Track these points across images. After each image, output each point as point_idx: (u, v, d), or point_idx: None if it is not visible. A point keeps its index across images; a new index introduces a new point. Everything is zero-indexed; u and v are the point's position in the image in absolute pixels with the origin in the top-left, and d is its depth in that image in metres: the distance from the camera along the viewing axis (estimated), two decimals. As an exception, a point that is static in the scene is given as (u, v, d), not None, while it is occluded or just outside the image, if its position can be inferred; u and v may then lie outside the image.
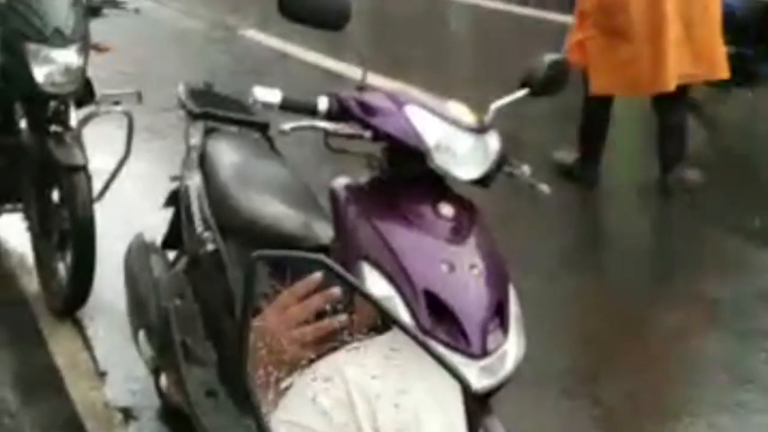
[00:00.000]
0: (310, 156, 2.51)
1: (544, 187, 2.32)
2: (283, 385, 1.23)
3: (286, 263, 1.37)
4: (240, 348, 0.96)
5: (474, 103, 2.24)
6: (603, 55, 4.81)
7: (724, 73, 4.87)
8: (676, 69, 4.72)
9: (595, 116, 5.07)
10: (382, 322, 1.14)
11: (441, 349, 1.89)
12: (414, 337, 0.91)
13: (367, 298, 0.94)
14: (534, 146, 5.21)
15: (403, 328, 0.96)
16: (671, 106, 4.93)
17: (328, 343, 1.32)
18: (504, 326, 2.02)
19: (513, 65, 2.54)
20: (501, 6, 11.05)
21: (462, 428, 0.87)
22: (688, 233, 4.61)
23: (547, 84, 2.32)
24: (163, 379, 3.02)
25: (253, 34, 8.88)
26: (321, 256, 0.95)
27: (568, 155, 5.15)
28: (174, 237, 3.01)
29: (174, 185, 3.01)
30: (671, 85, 4.73)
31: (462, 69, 5.28)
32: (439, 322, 1.98)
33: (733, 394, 3.28)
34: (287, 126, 2.16)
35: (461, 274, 2.02)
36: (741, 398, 3.25)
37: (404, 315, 1.98)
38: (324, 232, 2.32)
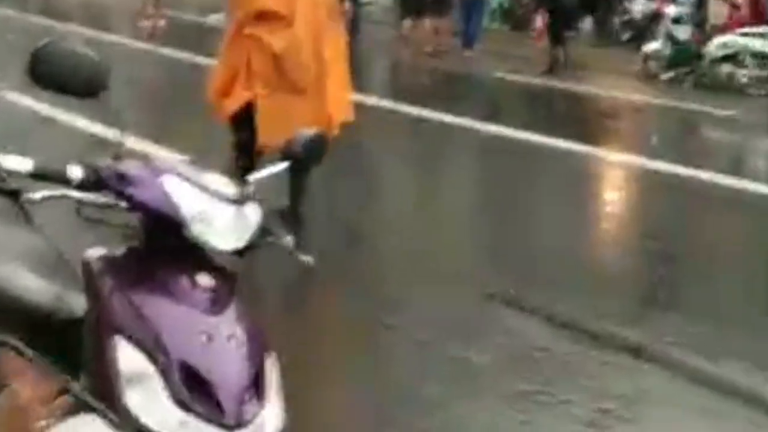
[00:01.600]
0: (69, 225, 2.42)
1: (309, 258, 2.35)
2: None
3: None
4: None
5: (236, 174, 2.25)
6: (275, 110, 5.21)
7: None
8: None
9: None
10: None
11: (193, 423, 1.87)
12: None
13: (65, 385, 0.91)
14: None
15: (86, 400, 0.94)
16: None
17: None
18: (261, 397, 2.02)
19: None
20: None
21: None
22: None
23: (306, 157, 2.37)
24: None
25: (16, 97, 8.56)
26: (11, 340, 0.91)
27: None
28: None
29: None
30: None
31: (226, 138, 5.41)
32: (197, 394, 1.95)
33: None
34: (38, 195, 2.08)
35: (219, 345, 2.00)
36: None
37: (159, 388, 1.94)
38: (79, 304, 2.23)
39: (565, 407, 3.81)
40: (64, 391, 1.26)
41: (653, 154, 8.88)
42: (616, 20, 17.60)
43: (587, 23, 17.76)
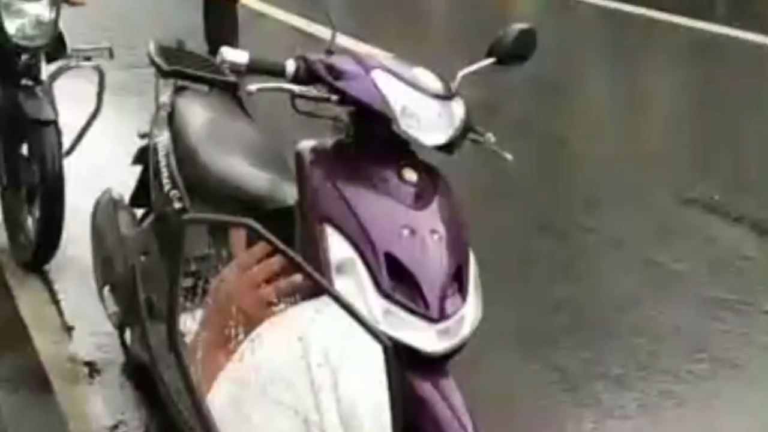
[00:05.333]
0: (281, 116, 2.51)
1: (508, 155, 2.36)
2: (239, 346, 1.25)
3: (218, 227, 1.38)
4: (169, 313, 0.98)
5: (443, 70, 2.27)
6: None
7: None
8: None
9: None
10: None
11: (364, 307, 1.93)
12: (333, 297, 0.93)
13: (291, 259, 0.96)
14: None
15: (326, 289, 0.99)
16: None
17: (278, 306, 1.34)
18: (462, 291, 2.07)
19: (486, 34, 2.56)
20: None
21: (383, 386, 0.90)
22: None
23: (513, 53, 2.35)
24: (128, 335, 3.04)
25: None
26: (248, 220, 0.97)
27: None
28: (142, 194, 3.02)
29: (143, 142, 3.02)
30: None
31: (433, 36, 5.35)
32: (400, 285, 2.02)
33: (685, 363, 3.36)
34: (254, 87, 2.17)
35: (422, 238, 2.05)
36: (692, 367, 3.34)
37: (365, 277, 2.02)
38: (291, 193, 2.34)
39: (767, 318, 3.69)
40: (289, 274, 1.33)
41: None
42: None
43: None
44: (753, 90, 6.92)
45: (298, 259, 0.96)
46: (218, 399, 1.07)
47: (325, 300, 1.02)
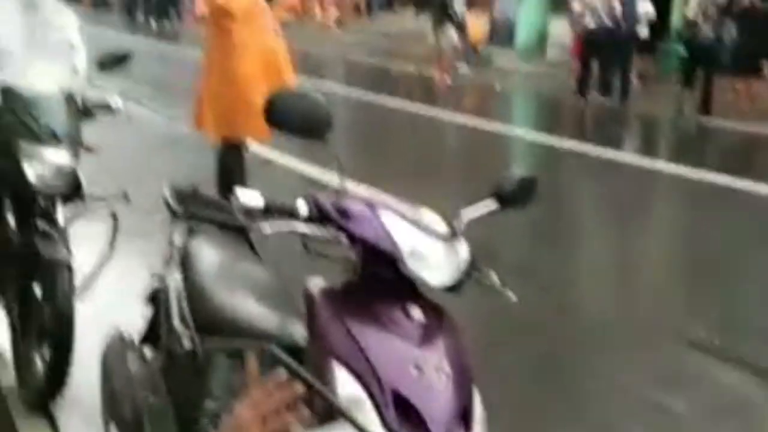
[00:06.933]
0: (290, 256, 2.59)
1: (511, 294, 2.41)
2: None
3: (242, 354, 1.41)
4: None
5: (446, 212, 2.36)
6: None
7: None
8: None
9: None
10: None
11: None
12: (349, 420, 0.97)
13: (311, 386, 1.01)
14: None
15: (341, 411, 1.02)
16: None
17: None
18: (468, 430, 2.09)
19: (485, 179, 2.66)
20: (475, 123, 11.35)
21: None
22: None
23: (515, 197, 2.44)
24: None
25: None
26: (270, 345, 1.02)
27: None
28: (152, 334, 3.07)
29: (155, 283, 3.08)
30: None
31: (436, 180, 5.55)
32: (406, 423, 2.04)
33: None
34: (268, 229, 2.25)
35: (429, 377, 2.07)
36: None
37: (372, 415, 2.04)
38: (300, 332, 2.39)
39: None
40: (307, 401, 1.37)
41: None
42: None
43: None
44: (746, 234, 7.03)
45: (316, 383, 1.01)
46: None
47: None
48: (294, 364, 1.00)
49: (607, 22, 14.39)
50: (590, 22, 14.41)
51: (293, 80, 6.41)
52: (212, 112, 6.44)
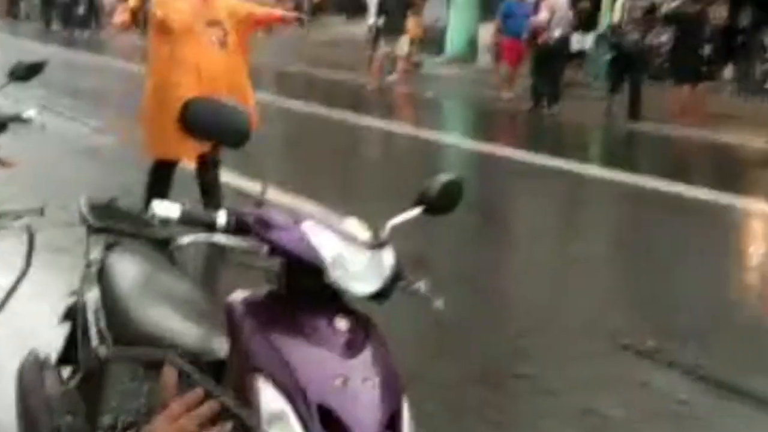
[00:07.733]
0: (214, 269, 2.52)
1: (440, 303, 2.37)
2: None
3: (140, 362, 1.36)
4: None
5: (373, 221, 2.30)
6: None
7: None
8: None
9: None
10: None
11: None
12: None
13: (212, 396, 0.96)
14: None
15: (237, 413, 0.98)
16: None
17: None
18: (396, 439, 2.04)
19: (412, 185, 2.61)
20: (407, 131, 11.38)
21: None
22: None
23: (441, 202, 2.40)
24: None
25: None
26: (169, 354, 0.96)
27: None
28: (70, 353, 2.96)
29: (72, 299, 2.98)
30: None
31: (363, 187, 5.52)
32: (333, 436, 1.99)
33: None
34: (184, 240, 2.18)
35: (355, 387, 2.04)
36: None
37: (297, 429, 1.99)
38: (222, 346, 2.32)
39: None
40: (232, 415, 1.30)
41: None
42: (758, 68, 17.06)
43: (728, 72, 17.25)
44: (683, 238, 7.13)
45: (216, 390, 0.95)
46: None
47: None
48: (194, 371, 0.93)
49: (567, 30, 14.52)
50: (556, 32, 14.35)
51: (251, 100, 6.15)
52: (147, 129, 6.27)
